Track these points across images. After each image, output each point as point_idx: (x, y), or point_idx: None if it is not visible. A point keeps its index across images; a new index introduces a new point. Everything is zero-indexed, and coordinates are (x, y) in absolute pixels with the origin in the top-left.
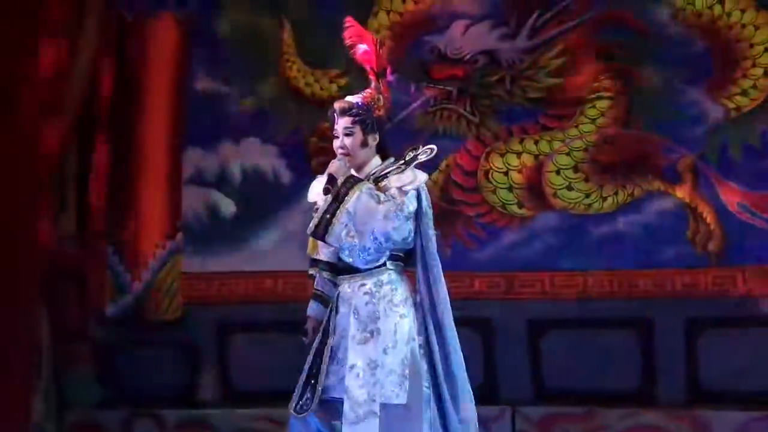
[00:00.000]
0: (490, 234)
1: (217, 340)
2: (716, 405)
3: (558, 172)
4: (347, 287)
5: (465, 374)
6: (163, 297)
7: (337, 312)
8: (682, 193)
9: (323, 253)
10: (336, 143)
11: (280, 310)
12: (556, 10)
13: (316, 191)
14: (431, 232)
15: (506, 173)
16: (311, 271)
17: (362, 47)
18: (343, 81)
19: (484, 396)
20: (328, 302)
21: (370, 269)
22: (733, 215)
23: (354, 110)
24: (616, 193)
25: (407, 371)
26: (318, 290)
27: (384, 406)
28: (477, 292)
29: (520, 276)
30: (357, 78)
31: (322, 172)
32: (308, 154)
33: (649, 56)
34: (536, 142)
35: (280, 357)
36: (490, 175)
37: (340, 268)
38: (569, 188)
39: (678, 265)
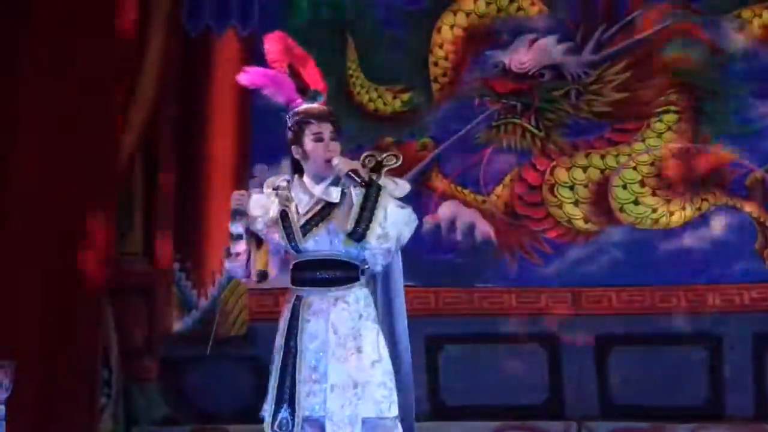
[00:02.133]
0: (555, 249)
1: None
2: None
3: (624, 187)
4: (318, 300)
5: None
6: (229, 313)
7: (304, 325)
8: (750, 207)
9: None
10: (320, 146)
11: None
12: (622, 24)
13: (260, 204)
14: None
15: (572, 188)
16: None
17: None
18: (406, 96)
19: (550, 411)
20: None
21: (346, 284)
22: None
23: (333, 117)
24: (683, 208)
25: (393, 383)
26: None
27: (377, 420)
28: (543, 308)
29: (587, 291)
30: (420, 93)
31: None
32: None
33: (716, 69)
34: (602, 157)
35: None
36: (555, 190)
37: (303, 279)
38: (636, 203)
39: (746, 280)
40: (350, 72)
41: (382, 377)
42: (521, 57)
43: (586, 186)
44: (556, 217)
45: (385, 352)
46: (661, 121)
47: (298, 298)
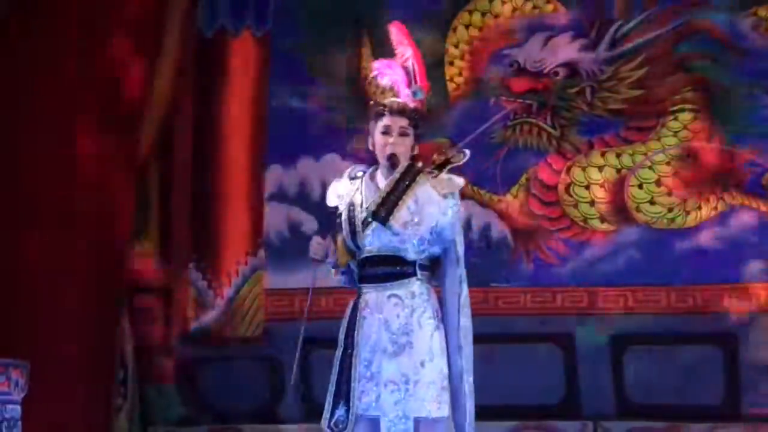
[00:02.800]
0: (571, 249)
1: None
2: None
3: (640, 186)
4: (374, 296)
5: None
6: (245, 313)
7: (361, 322)
8: (766, 207)
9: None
10: (385, 138)
11: None
12: (637, 21)
13: (336, 194)
14: (460, 239)
15: (587, 187)
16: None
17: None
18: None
19: (566, 411)
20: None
21: (400, 279)
22: None
23: (410, 113)
24: (699, 208)
25: (446, 383)
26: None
27: (424, 420)
28: (559, 308)
29: (603, 291)
30: (436, 93)
31: None
32: None
33: (732, 68)
34: (618, 156)
35: None
36: (571, 189)
37: (364, 276)
38: (652, 202)
39: (762, 280)
40: (366, 72)
41: (432, 376)
42: (536, 55)
43: (602, 185)
44: (571, 216)
45: (439, 350)
46: (676, 119)
47: (360, 295)
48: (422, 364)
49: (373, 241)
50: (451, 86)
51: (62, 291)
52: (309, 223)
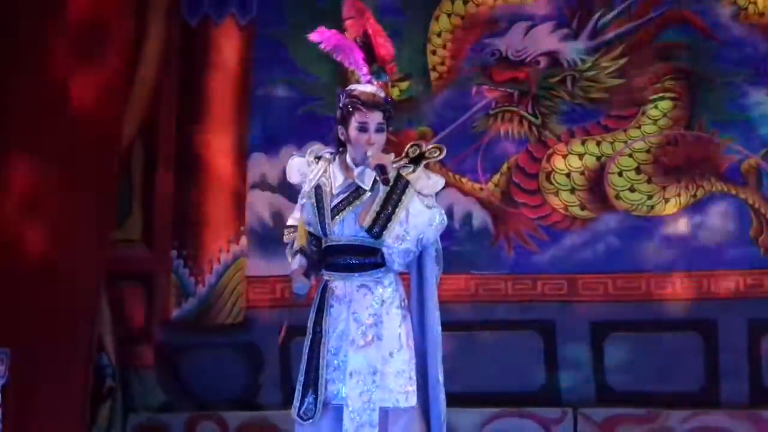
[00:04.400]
0: (551, 236)
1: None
2: None
3: (620, 174)
4: (342, 285)
5: (440, 375)
6: (226, 301)
7: (329, 310)
8: (745, 194)
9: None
10: (363, 136)
11: None
12: (617, 11)
13: (298, 170)
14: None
15: (568, 175)
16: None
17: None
18: (404, 85)
19: (546, 398)
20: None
21: (370, 269)
22: None
23: (384, 107)
24: (678, 195)
25: (413, 372)
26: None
27: (393, 410)
28: (539, 295)
29: (583, 278)
30: (419, 82)
31: None
32: None
33: (711, 56)
34: (598, 144)
35: None
36: (551, 177)
37: (331, 264)
38: (631, 190)
39: (741, 267)
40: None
41: (401, 366)
42: (517, 44)
43: (582, 173)
44: (552, 204)
45: (407, 340)
46: (656, 107)
47: (326, 283)
48: (390, 354)
49: (342, 230)
50: (433, 75)
51: (42, 277)
52: (291, 211)
